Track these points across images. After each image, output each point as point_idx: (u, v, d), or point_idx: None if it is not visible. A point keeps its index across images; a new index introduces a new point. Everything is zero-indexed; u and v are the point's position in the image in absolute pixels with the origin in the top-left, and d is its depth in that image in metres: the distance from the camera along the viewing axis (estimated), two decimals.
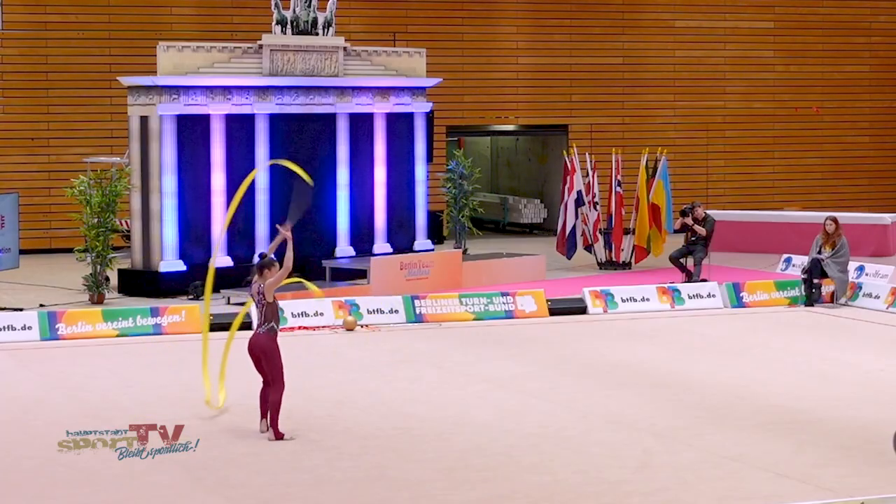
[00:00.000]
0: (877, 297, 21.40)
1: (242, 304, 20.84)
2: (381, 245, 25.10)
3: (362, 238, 24.97)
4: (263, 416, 12.94)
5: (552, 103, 34.06)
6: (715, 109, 35.37)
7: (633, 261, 26.65)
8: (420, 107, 25.73)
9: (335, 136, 24.62)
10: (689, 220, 23.72)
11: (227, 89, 23.16)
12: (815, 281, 21.73)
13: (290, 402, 14.51)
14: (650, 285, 21.89)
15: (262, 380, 13.04)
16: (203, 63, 22.93)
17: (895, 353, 17.53)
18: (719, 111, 35.45)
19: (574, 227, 26.61)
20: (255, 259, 13.54)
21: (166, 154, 22.60)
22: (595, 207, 26.64)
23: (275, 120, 23.81)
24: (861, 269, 23.82)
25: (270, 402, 12.77)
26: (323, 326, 19.46)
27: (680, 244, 24.32)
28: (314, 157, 24.45)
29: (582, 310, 20.94)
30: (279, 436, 12.64)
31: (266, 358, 12.87)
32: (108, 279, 22.38)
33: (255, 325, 13.27)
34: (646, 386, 15.28)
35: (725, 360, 16.99)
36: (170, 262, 22.64)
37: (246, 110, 23.44)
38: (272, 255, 13.07)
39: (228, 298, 21.90)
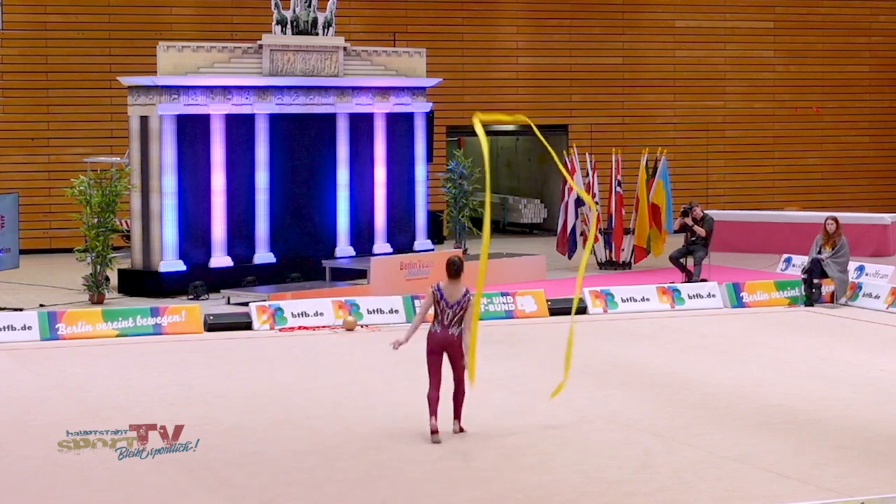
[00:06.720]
0: (877, 297, 21.40)
1: (244, 304, 20.88)
2: (381, 245, 25.10)
3: (362, 238, 24.97)
4: (456, 416, 12.88)
5: (552, 103, 34.06)
6: (715, 109, 35.38)
7: (632, 261, 26.66)
8: (420, 107, 25.73)
9: (335, 136, 24.62)
10: (688, 221, 23.74)
11: (227, 89, 23.16)
12: (815, 281, 21.73)
13: (290, 401, 14.55)
14: (650, 285, 21.89)
15: (430, 383, 12.71)
16: (203, 63, 22.93)
17: (895, 353, 17.53)
18: (719, 111, 35.46)
19: (574, 227, 26.61)
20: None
21: (166, 154, 22.59)
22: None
23: (275, 120, 23.81)
24: (861, 269, 23.83)
25: (461, 397, 12.84)
26: (323, 326, 19.46)
27: (680, 244, 24.32)
28: (314, 157, 24.47)
29: (582, 310, 20.93)
30: (463, 429, 12.90)
31: (460, 354, 12.72)
32: (108, 279, 22.37)
33: (439, 325, 12.77)
34: (646, 386, 15.28)
35: (725, 360, 16.99)
36: (170, 262, 22.63)
37: (246, 110, 23.44)
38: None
39: (228, 298, 21.89)
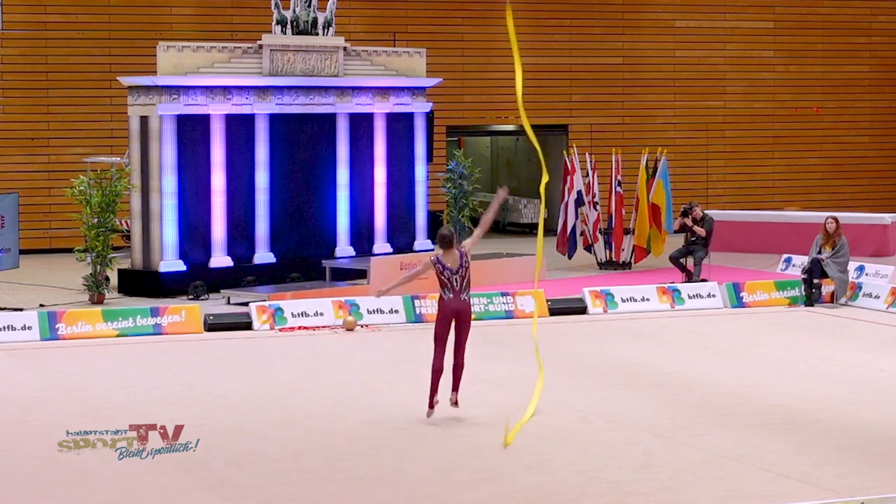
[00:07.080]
0: (877, 297, 21.39)
1: (244, 304, 20.88)
2: (381, 245, 25.10)
3: (362, 238, 24.97)
4: (455, 388, 13.37)
5: (552, 103, 34.05)
6: (715, 109, 35.38)
7: (632, 261, 26.65)
8: (420, 107, 25.73)
9: (335, 136, 24.61)
10: (688, 221, 23.74)
11: (227, 89, 23.16)
12: (815, 281, 21.73)
13: (290, 401, 14.55)
14: (650, 285, 21.89)
15: (435, 358, 13.35)
16: (203, 63, 22.93)
17: (895, 353, 17.53)
18: (719, 111, 35.46)
19: (574, 227, 26.61)
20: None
21: (166, 154, 22.59)
22: (595, 207, 26.64)
23: (275, 120, 23.80)
24: (861, 269, 23.82)
25: (460, 371, 13.35)
26: (323, 326, 19.46)
27: (680, 244, 24.32)
28: (314, 157, 24.46)
29: (582, 310, 20.93)
30: (458, 402, 13.40)
31: (469, 324, 13.47)
32: (108, 279, 22.37)
33: (451, 292, 13.40)
34: (646, 386, 15.28)
35: (725, 360, 16.99)
36: (170, 262, 22.63)
37: (246, 110, 23.44)
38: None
39: (228, 298, 21.89)
